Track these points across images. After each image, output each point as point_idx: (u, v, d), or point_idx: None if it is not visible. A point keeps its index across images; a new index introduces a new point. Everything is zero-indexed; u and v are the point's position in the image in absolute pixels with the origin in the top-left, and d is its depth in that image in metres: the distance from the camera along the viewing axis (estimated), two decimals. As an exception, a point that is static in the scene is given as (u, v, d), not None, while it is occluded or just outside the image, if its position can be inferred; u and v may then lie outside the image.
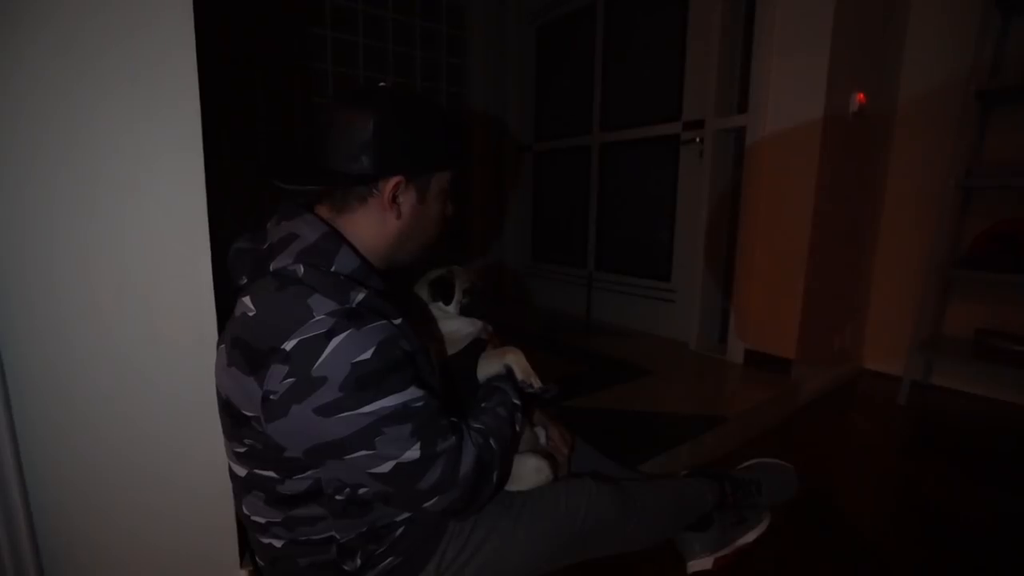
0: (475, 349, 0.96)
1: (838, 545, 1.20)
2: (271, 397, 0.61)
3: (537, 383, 0.91)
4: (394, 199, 0.73)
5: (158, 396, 0.78)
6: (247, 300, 0.66)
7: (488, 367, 0.94)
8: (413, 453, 0.63)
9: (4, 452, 0.66)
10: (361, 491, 0.70)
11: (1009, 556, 1.17)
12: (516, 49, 3.28)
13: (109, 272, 0.72)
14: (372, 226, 0.74)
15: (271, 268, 0.68)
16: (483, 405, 0.82)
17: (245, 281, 0.71)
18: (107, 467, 0.76)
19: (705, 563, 1.04)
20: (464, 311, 0.96)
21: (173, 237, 0.77)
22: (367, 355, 0.60)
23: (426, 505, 0.67)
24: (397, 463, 0.63)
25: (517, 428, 0.82)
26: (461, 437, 0.69)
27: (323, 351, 0.59)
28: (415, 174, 0.74)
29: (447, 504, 0.68)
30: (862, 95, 1.94)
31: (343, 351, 0.60)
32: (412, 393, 0.65)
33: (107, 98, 0.69)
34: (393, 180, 0.71)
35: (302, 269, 0.66)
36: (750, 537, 1.08)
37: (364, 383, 0.60)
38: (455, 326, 0.97)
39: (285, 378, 0.60)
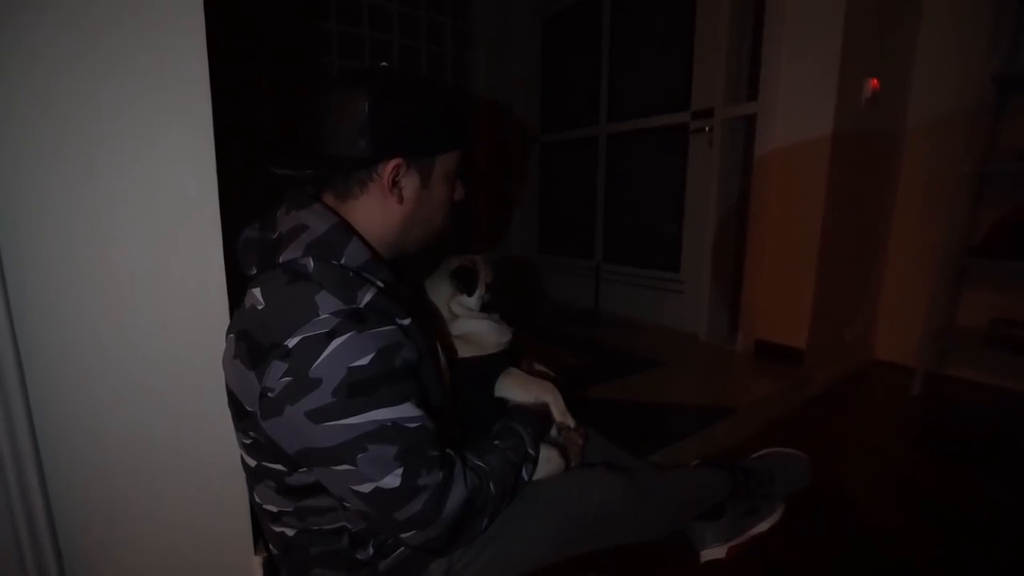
0: (503, 361, 0.94)
1: (851, 536, 1.19)
2: (268, 394, 0.60)
3: (572, 424, 0.90)
4: (395, 183, 0.70)
5: (171, 383, 0.78)
6: (257, 292, 0.65)
7: (515, 391, 0.91)
8: (393, 480, 0.60)
9: (22, 440, 0.67)
10: (346, 504, 0.67)
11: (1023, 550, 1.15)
12: (522, 41, 3.25)
13: (120, 260, 0.72)
14: (375, 213, 0.71)
15: (280, 260, 0.66)
16: (496, 443, 0.78)
17: (254, 272, 0.70)
18: (121, 451, 0.76)
19: (718, 552, 1.03)
20: (484, 307, 0.94)
21: (183, 223, 0.76)
22: (364, 360, 0.59)
23: (403, 536, 0.64)
24: (376, 487, 0.60)
25: (525, 477, 0.79)
26: (451, 474, 0.65)
27: (323, 352, 0.58)
28: (416, 156, 0.71)
29: (423, 541, 0.65)
30: (875, 81, 1.91)
31: (342, 354, 0.58)
32: (405, 411, 0.62)
33: (115, 79, 0.69)
34: (392, 163, 0.68)
35: (311, 263, 0.65)
36: (763, 527, 1.07)
37: (356, 390, 0.59)
38: (481, 328, 0.93)
39: (283, 376, 0.59)
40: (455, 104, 0.74)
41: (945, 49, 2.06)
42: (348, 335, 0.59)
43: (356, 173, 0.69)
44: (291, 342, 0.59)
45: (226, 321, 0.80)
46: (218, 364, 0.72)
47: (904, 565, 1.11)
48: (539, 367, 1.04)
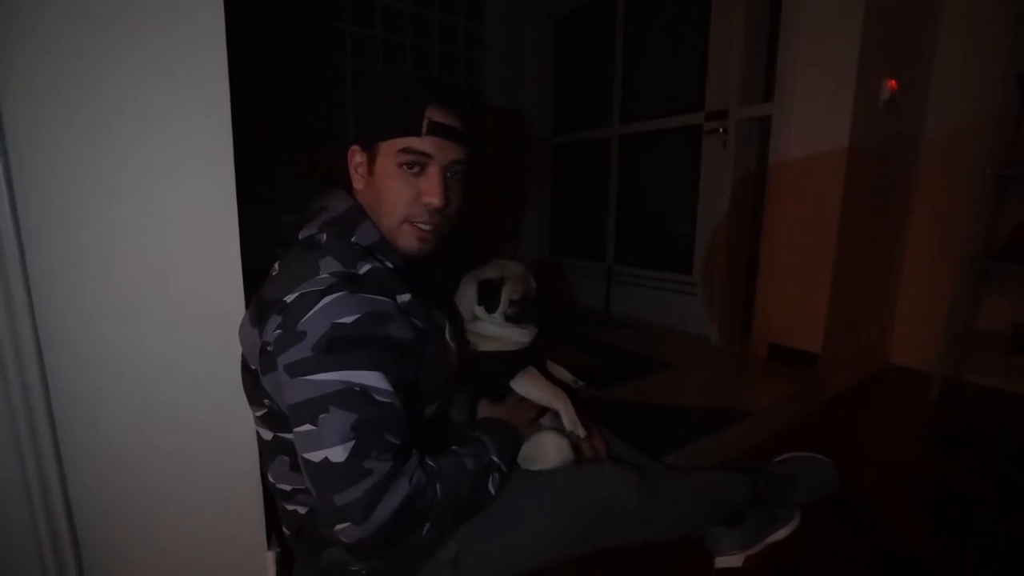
0: (524, 359, 0.94)
1: (870, 544, 1.16)
2: (268, 348, 0.64)
3: (583, 433, 0.90)
4: (357, 169, 0.77)
5: (185, 380, 0.78)
6: (276, 264, 0.72)
7: (530, 390, 0.92)
8: (341, 453, 0.58)
9: (43, 437, 0.67)
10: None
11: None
12: (535, 41, 3.24)
13: (130, 255, 0.71)
14: (361, 200, 0.77)
15: (299, 237, 0.72)
16: (453, 448, 0.74)
17: (281, 251, 0.75)
18: (135, 448, 0.76)
19: (735, 561, 1.00)
20: (509, 320, 0.93)
21: (198, 216, 0.76)
22: (349, 319, 0.61)
23: (337, 528, 0.60)
24: (325, 457, 0.58)
25: (492, 490, 0.74)
26: (400, 468, 0.61)
27: (313, 307, 0.60)
28: (366, 143, 0.75)
29: (353, 540, 0.60)
30: (894, 82, 1.88)
31: (329, 309, 0.61)
32: (376, 380, 0.61)
33: (126, 67, 0.67)
34: (351, 148, 0.77)
35: (325, 237, 0.70)
36: (781, 535, 1.04)
37: (333, 346, 0.59)
38: (503, 332, 0.94)
39: (276, 328, 0.62)
40: (415, 91, 0.75)
41: (965, 48, 2.03)
42: (340, 293, 0.62)
43: (339, 159, 0.79)
44: (290, 297, 0.62)
45: (241, 317, 0.79)
46: (233, 361, 0.72)
47: (924, 573, 1.08)
48: (561, 373, 1.05)
